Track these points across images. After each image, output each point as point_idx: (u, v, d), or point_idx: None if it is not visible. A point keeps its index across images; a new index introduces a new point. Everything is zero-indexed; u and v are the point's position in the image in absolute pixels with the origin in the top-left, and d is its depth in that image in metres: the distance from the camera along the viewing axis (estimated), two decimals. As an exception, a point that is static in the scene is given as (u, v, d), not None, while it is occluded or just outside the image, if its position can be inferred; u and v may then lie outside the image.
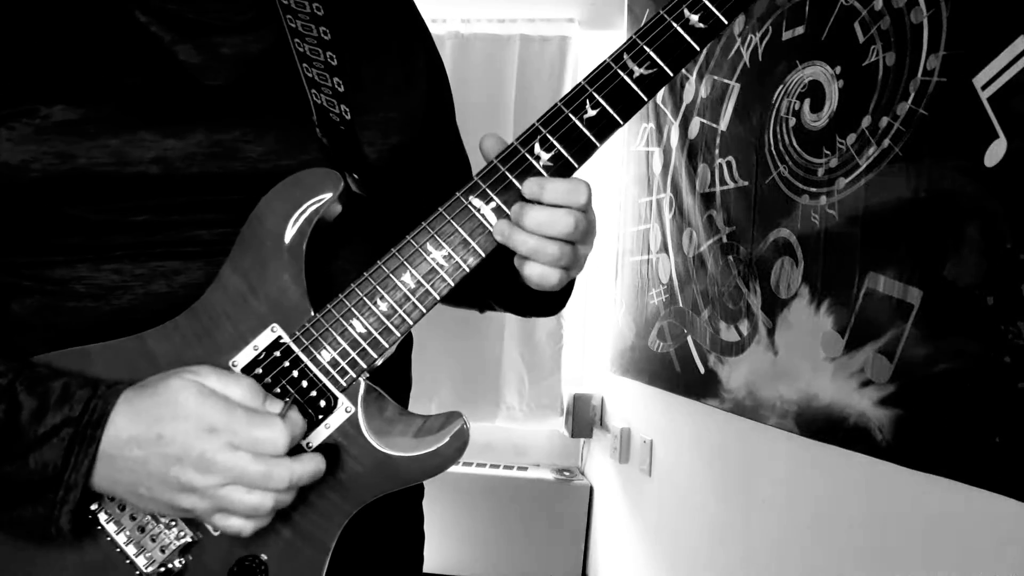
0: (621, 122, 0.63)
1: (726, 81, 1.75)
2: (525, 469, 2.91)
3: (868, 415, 1.16)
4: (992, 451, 0.93)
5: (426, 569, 0.84)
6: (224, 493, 0.56)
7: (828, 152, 1.31)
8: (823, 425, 1.29)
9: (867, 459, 1.16)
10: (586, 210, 0.64)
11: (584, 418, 2.81)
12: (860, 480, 1.23)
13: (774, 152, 1.49)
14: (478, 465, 2.87)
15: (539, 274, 0.64)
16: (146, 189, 0.62)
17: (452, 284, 0.63)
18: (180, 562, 0.61)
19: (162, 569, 0.61)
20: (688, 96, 1.99)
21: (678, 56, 0.63)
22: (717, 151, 1.78)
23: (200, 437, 0.55)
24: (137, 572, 0.61)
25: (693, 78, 1.96)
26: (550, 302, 0.80)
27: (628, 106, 0.63)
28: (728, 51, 1.75)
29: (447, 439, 0.62)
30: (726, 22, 0.63)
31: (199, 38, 0.66)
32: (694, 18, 0.62)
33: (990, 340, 0.93)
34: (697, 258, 1.88)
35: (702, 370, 1.82)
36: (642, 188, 2.33)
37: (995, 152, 0.95)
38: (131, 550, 0.61)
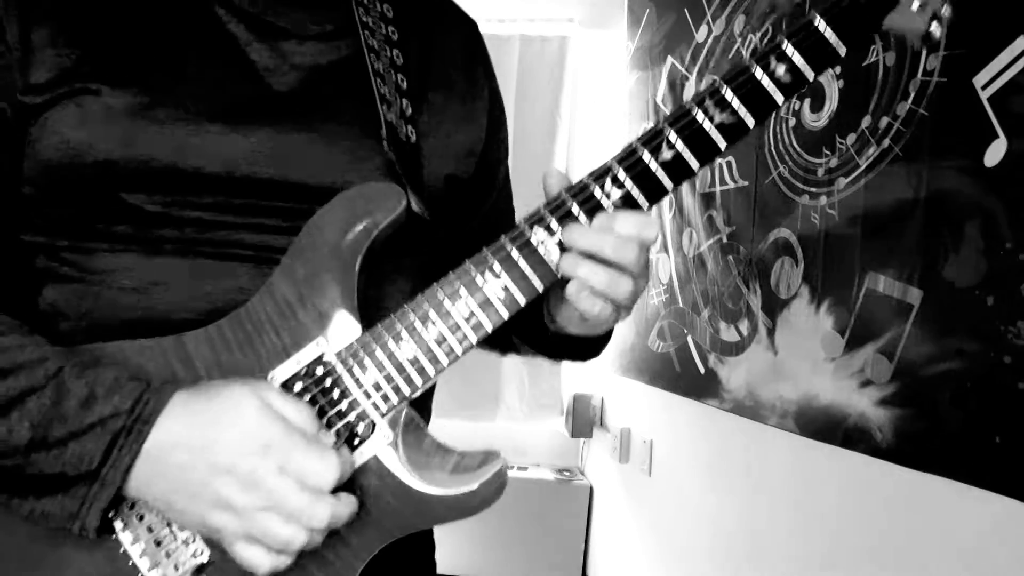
0: (696, 169, 0.61)
1: (726, 81, 1.75)
2: (525, 469, 2.91)
3: (868, 415, 1.16)
4: (992, 451, 0.93)
5: (426, 569, 0.83)
6: (260, 518, 0.53)
7: (828, 152, 1.31)
8: (823, 425, 1.29)
9: (867, 459, 1.16)
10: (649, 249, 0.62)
11: (584, 418, 2.81)
12: (860, 480, 1.23)
13: (774, 152, 1.49)
14: (478, 465, 2.87)
15: (600, 309, 0.61)
16: (204, 185, 0.61)
17: (505, 318, 0.60)
18: None
19: None
20: (688, 96, 1.99)
21: (760, 107, 0.60)
22: (717, 151, 1.78)
23: (252, 453, 0.53)
24: None
25: (693, 78, 1.96)
26: (590, 345, 0.77)
27: (706, 153, 0.60)
28: (728, 51, 1.75)
29: (486, 478, 0.59)
30: (809, 80, 0.60)
31: (274, 41, 0.66)
32: (781, 69, 0.60)
33: (990, 340, 0.93)
34: (697, 258, 1.88)
35: (702, 370, 1.82)
36: (642, 188, 2.33)
37: (995, 152, 0.95)
38: (144, 563, 0.58)
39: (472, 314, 0.60)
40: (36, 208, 0.63)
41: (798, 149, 1.41)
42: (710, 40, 1.86)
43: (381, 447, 0.59)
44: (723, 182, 1.74)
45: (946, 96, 1.04)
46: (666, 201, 2.11)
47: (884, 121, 1.16)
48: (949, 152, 1.03)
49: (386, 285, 0.66)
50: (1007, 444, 0.91)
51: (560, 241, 0.60)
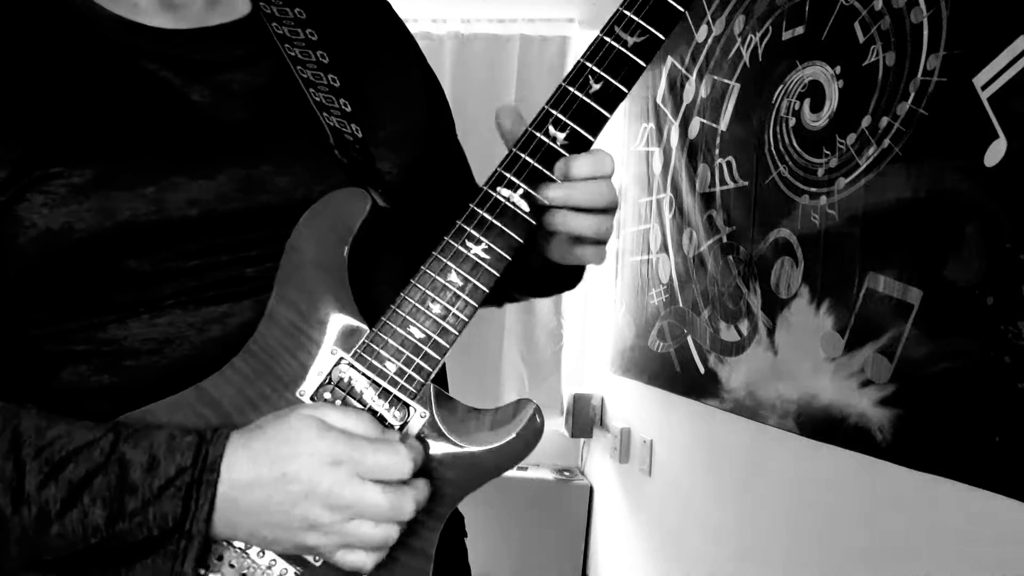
0: (625, 91, 0.65)
1: (726, 81, 1.75)
2: (525, 469, 2.91)
3: (868, 415, 1.16)
4: (992, 451, 0.93)
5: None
6: (351, 528, 0.55)
7: (828, 152, 1.31)
8: (823, 425, 1.29)
9: (867, 459, 1.17)
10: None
11: (584, 418, 2.81)
12: (860, 480, 1.23)
13: (774, 152, 1.49)
14: (478, 465, 2.87)
15: (593, 253, 0.68)
16: (190, 233, 0.62)
17: (497, 275, 0.64)
18: None
19: None
20: (688, 96, 1.99)
21: (665, 20, 0.65)
22: (717, 151, 1.78)
23: (325, 471, 0.55)
24: None
25: (693, 78, 1.96)
26: (573, 273, 0.82)
27: (630, 75, 0.65)
28: (728, 51, 1.75)
29: (524, 422, 0.63)
30: None
31: (208, 77, 0.66)
32: None
33: (990, 340, 0.93)
34: (697, 258, 1.88)
35: (702, 370, 1.82)
36: (642, 188, 2.33)
37: (995, 152, 0.95)
38: None
39: (466, 281, 0.63)
40: (34, 301, 0.63)
41: (798, 149, 1.41)
42: (710, 40, 1.86)
43: (421, 423, 0.63)
44: (723, 182, 1.74)
45: (946, 96, 1.04)
46: (666, 201, 2.11)
47: (884, 121, 1.16)
48: (949, 152, 1.03)
49: (377, 287, 0.67)
50: (1007, 444, 0.91)
51: (525, 192, 0.64)
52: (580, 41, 2.90)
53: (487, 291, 0.64)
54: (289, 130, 0.68)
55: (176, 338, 0.63)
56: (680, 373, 1.97)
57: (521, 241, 0.64)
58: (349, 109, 0.71)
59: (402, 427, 0.62)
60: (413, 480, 0.58)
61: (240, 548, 0.60)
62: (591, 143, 0.65)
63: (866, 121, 1.21)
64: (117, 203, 0.60)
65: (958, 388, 0.99)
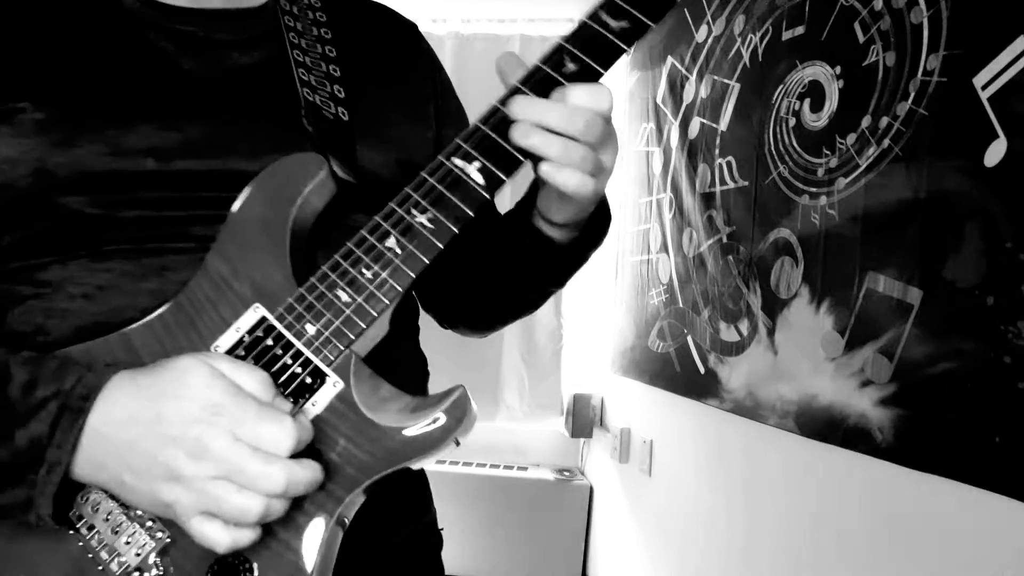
0: (601, 72, 0.62)
1: (726, 81, 1.75)
2: (525, 469, 2.91)
3: (868, 415, 1.16)
4: (992, 451, 0.93)
5: (425, 569, 0.83)
6: (213, 488, 0.51)
7: (828, 152, 1.31)
8: (823, 425, 1.29)
9: (867, 459, 1.17)
10: (608, 119, 0.63)
11: (584, 418, 2.81)
12: (860, 480, 1.23)
13: (774, 152, 1.49)
14: (478, 465, 2.87)
15: (577, 183, 0.61)
16: (143, 182, 0.62)
17: (440, 246, 0.61)
18: (157, 569, 0.57)
19: (136, 574, 0.56)
20: (688, 96, 1.99)
21: (655, 6, 0.62)
22: (717, 151, 1.78)
23: (201, 419, 0.52)
24: None
25: (693, 78, 1.96)
26: (581, 247, 0.76)
27: (608, 58, 0.62)
28: (728, 51, 1.75)
29: (447, 406, 0.58)
30: None
31: (204, 52, 0.68)
32: None
33: (990, 340, 0.93)
34: (697, 258, 1.88)
35: (702, 370, 1.82)
36: (642, 188, 2.33)
37: (995, 152, 0.95)
38: (103, 555, 0.57)
39: (404, 249, 0.60)
40: None
41: (798, 149, 1.41)
42: (710, 40, 1.86)
43: (333, 394, 0.59)
44: (723, 182, 1.74)
45: (946, 96, 1.04)
46: (666, 201, 2.11)
47: (884, 121, 1.16)
48: (949, 152, 1.03)
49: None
50: (1007, 444, 0.91)
51: (482, 166, 0.61)
52: (580, 41, 2.90)
53: (426, 262, 0.61)
54: (267, 104, 0.69)
55: (111, 286, 0.62)
56: (680, 373, 1.97)
57: (471, 214, 0.61)
58: (342, 95, 0.71)
59: (312, 394, 0.58)
60: (302, 459, 0.54)
61: (118, 502, 0.57)
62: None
63: (866, 121, 1.21)
64: (77, 140, 0.60)
65: (958, 388, 0.99)
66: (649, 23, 0.62)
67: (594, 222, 0.73)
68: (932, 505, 1.07)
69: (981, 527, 0.98)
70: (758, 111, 1.58)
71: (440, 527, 0.83)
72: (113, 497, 0.57)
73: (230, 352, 0.59)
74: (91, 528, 0.57)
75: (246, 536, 0.53)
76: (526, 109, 0.61)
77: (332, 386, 0.59)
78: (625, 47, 0.62)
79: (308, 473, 0.54)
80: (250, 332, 0.60)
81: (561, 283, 0.82)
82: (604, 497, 2.69)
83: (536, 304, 0.87)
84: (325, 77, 0.72)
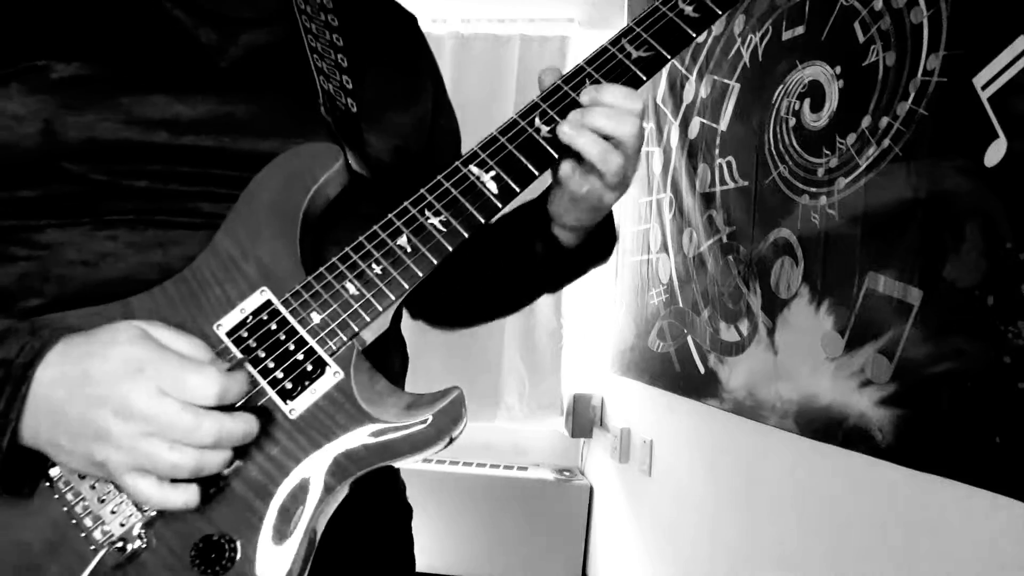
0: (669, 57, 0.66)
1: (726, 81, 1.75)
2: (525, 469, 2.91)
3: (868, 415, 1.16)
4: (992, 451, 0.93)
5: (426, 569, 0.83)
6: (144, 446, 0.51)
7: (828, 152, 1.31)
8: (823, 425, 1.29)
9: (867, 459, 1.16)
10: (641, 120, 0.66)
11: (584, 418, 2.81)
12: (860, 480, 1.23)
13: (774, 152, 1.49)
14: (478, 465, 2.87)
15: (589, 188, 0.65)
16: (149, 154, 0.62)
17: (450, 249, 0.62)
18: (140, 541, 0.56)
19: (120, 544, 0.56)
20: (688, 96, 1.99)
21: (674, 41, 0.65)
22: (717, 151, 1.78)
23: (125, 377, 0.51)
24: (92, 547, 0.56)
25: (693, 78, 1.96)
26: (589, 254, 0.78)
27: (628, 83, 0.65)
28: (728, 51, 1.75)
29: (443, 405, 0.59)
30: (720, 12, 0.66)
31: (220, 26, 0.69)
32: (688, 8, 0.66)
33: (990, 340, 0.93)
34: (697, 258, 1.88)
35: (702, 370, 1.82)
36: (642, 188, 2.33)
37: (995, 152, 0.95)
38: (87, 522, 0.56)
39: (416, 249, 0.62)
40: None
41: (798, 149, 1.41)
42: (710, 40, 1.86)
43: (332, 383, 0.59)
44: (723, 182, 1.74)
45: (946, 96, 1.04)
46: (666, 201, 2.11)
47: (884, 121, 1.16)
48: (949, 152, 1.03)
49: (334, 249, 0.66)
50: (1007, 444, 0.91)
51: (496, 175, 0.63)
52: (580, 41, 2.90)
53: (435, 263, 0.62)
54: (283, 84, 0.69)
55: (113, 254, 0.62)
56: (680, 373, 1.97)
57: (483, 221, 0.63)
58: (350, 86, 0.72)
59: (310, 382, 0.58)
60: (235, 412, 0.54)
61: (92, 486, 0.56)
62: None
63: (866, 121, 1.21)
64: (88, 103, 0.60)
65: (958, 388, 0.99)
66: (718, 11, 0.65)
67: (600, 235, 0.75)
68: (932, 505, 1.07)
69: (981, 527, 0.98)
70: (758, 111, 1.58)
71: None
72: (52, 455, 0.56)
73: (232, 332, 0.59)
74: (77, 495, 0.56)
75: (182, 492, 0.53)
76: (575, 114, 0.63)
77: (332, 376, 0.59)
78: (694, 35, 0.65)
79: (241, 424, 0.54)
80: (254, 314, 0.60)
81: (556, 288, 0.83)
82: (604, 497, 2.69)
83: (519, 307, 0.88)
84: (335, 67, 0.72)
